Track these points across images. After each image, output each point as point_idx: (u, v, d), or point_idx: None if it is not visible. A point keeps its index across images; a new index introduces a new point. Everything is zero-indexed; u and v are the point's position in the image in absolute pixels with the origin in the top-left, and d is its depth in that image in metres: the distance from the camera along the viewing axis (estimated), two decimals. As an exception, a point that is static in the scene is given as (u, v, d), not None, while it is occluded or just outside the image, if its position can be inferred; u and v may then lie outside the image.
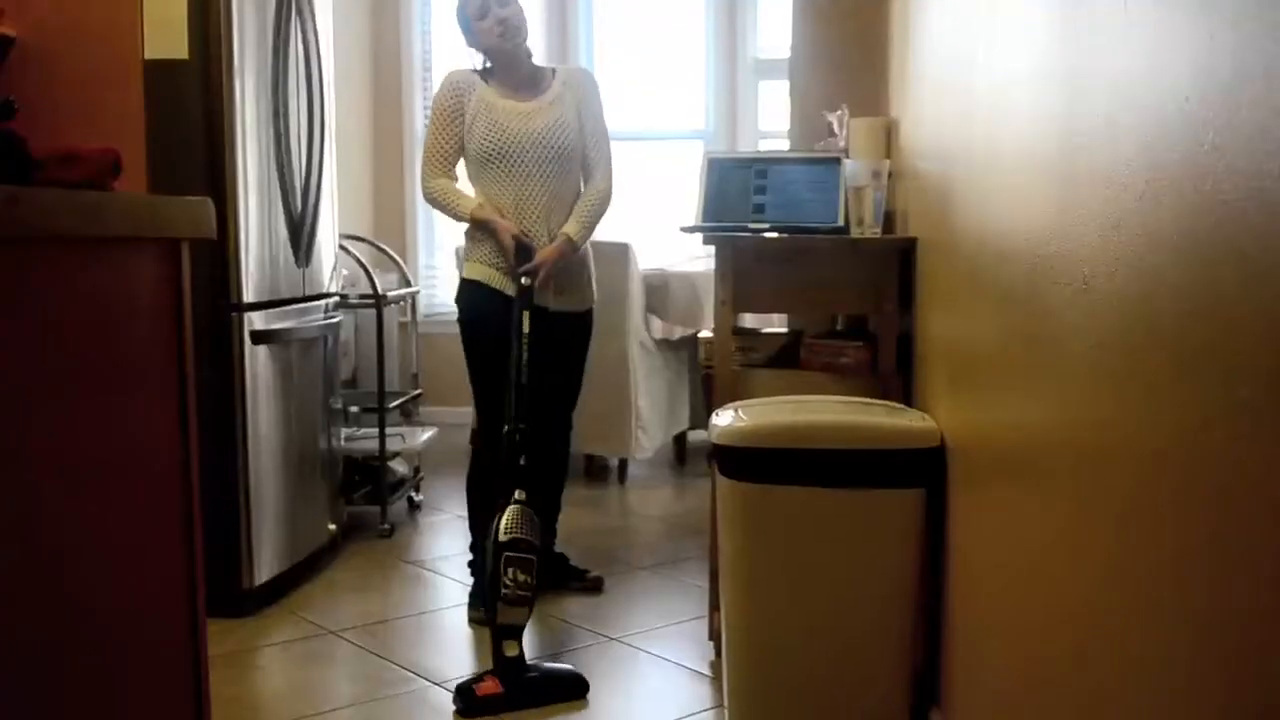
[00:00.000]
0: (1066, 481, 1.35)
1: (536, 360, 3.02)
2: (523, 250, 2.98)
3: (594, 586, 3.36)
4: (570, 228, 3.05)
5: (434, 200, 3.10)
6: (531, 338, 2.99)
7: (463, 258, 3.17)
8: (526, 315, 2.94)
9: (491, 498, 2.86)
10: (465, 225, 3.12)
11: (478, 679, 2.58)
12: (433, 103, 3.16)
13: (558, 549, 3.39)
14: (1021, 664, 1.56)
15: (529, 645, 2.89)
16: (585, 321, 3.23)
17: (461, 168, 3.14)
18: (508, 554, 2.61)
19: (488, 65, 3.13)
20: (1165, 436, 1.04)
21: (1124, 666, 1.15)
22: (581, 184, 3.18)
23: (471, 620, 3.11)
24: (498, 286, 3.05)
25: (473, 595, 3.18)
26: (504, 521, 2.66)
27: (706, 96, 5.82)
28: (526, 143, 3.02)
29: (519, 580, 2.61)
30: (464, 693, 2.54)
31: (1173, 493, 1.02)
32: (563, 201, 3.10)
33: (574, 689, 2.61)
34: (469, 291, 3.10)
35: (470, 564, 3.32)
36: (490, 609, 2.65)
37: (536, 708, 2.54)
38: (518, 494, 2.73)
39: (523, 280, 2.96)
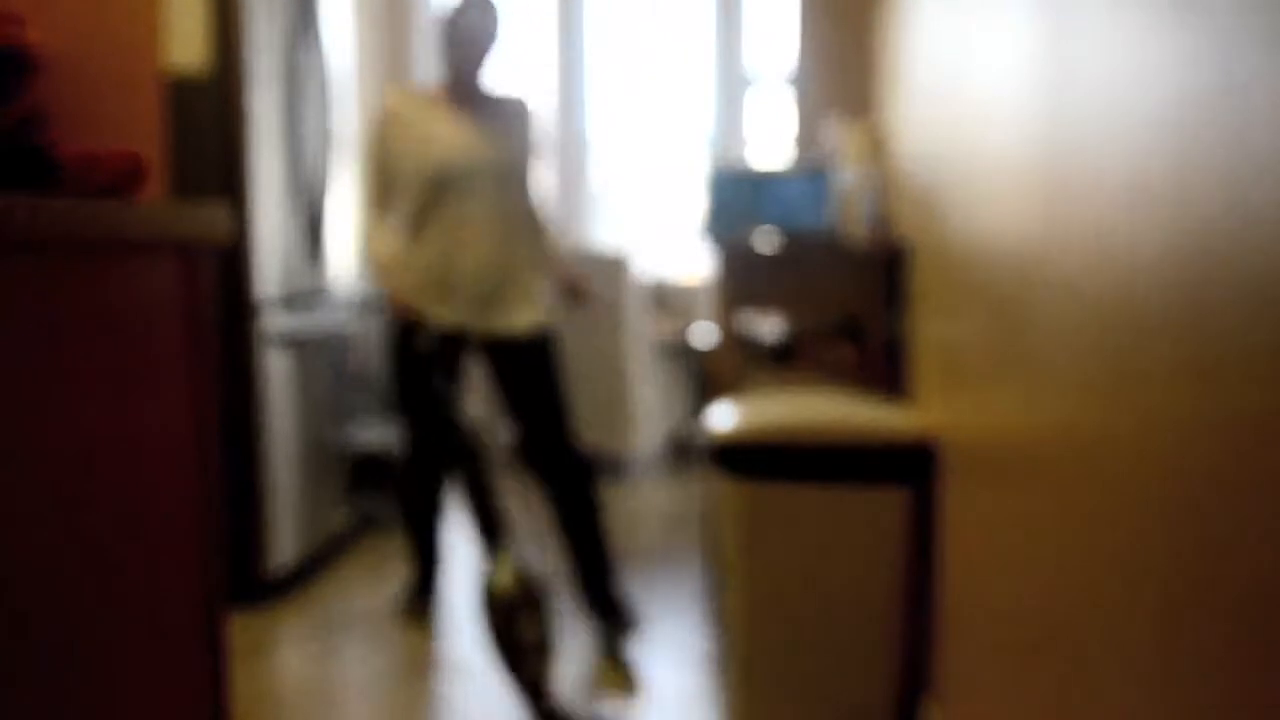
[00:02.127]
0: (1055, 478, 1.36)
1: (511, 403, 2.97)
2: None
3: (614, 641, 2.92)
4: (551, 249, 3.09)
5: (373, 260, 3.06)
6: (495, 376, 2.97)
7: None
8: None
9: (426, 497, 2.89)
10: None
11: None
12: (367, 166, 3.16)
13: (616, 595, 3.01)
14: (1014, 658, 1.57)
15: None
16: (545, 342, 2.99)
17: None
18: (514, 615, 2.42)
19: (430, 83, 3.09)
20: (1150, 435, 1.05)
21: (1116, 665, 1.15)
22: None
23: (408, 611, 3.10)
24: (425, 313, 2.96)
25: (414, 587, 3.16)
26: (495, 585, 2.46)
27: (705, 103, 5.85)
28: (462, 170, 2.94)
29: (530, 640, 2.43)
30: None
31: (1162, 490, 1.03)
32: (509, 218, 3.00)
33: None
34: (406, 328, 3.00)
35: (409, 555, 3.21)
36: (510, 671, 2.45)
37: None
38: (502, 543, 2.55)
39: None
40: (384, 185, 3.00)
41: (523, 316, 2.98)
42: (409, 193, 2.97)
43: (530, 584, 2.48)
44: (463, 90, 3.00)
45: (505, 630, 2.43)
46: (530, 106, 3.11)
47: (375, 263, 3.01)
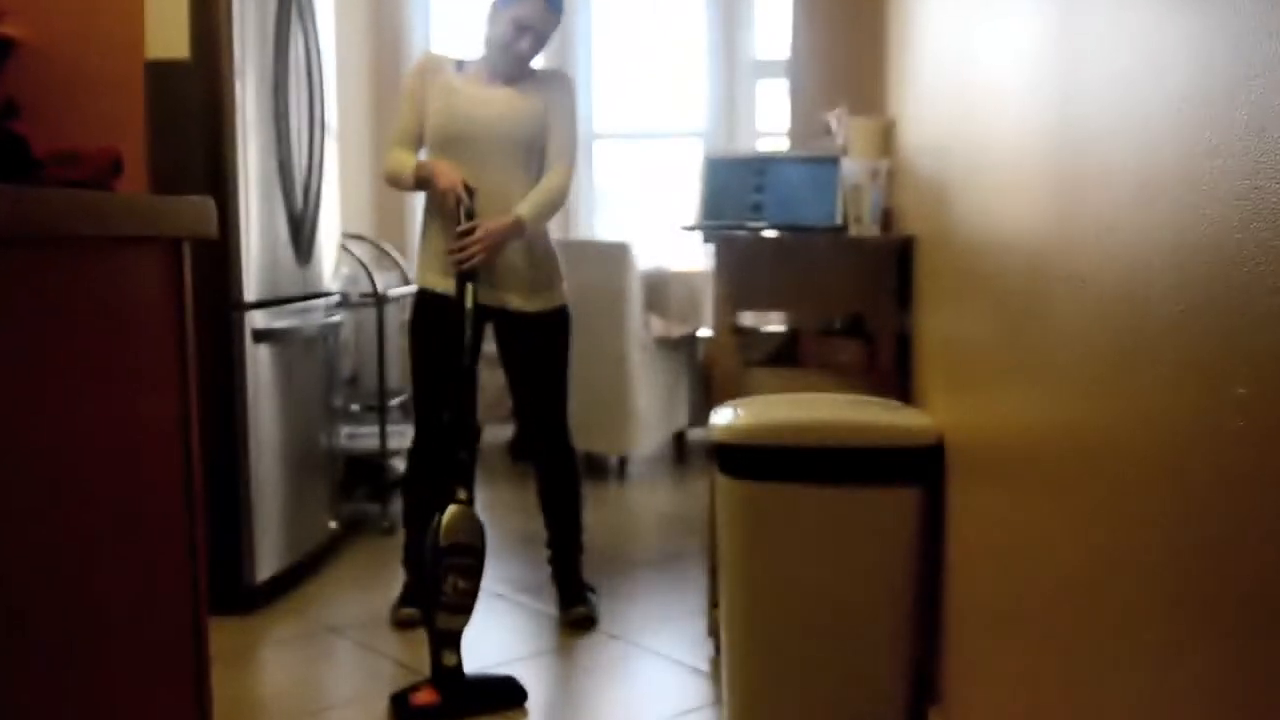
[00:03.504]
0: (1064, 478, 1.35)
1: (513, 374, 2.97)
2: (463, 203, 2.85)
3: (579, 622, 3.05)
4: (522, 208, 2.89)
5: (388, 175, 3.01)
6: (502, 349, 2.94)
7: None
8: (470, 289, 2.80)
9: (429, 495, 2.78)
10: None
11: (413, 688, 2.52)
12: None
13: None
14: (1019, 661, 1.56)
15: (529, 642, 2.90)
16: (557, 322, 3.04)
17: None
18: (447, 560, 2.52)
19: (473, 59, 3.04)
20: (1162, 434, 1.04)
21: (1122, 664, 1.14)
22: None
23: (398, 620, 3.05)
24: (441, 291, 2.95)
25: (404, 593, 3.10)
26: (444, 524, 2.55)
27: (705, 95, 5.83)
28: (481, 128, 2.93)
29: (459, 588, 2.53)
30: (399, 702, 2.49)
31: (1170, 490, 1.02)
32: (520, 194, 2.96)
33: (512, 697, 2.56)
34: (416, 301, 3.05)
35: (404, 561, 3.16)
36: (428, 616, 2.58)
37: (473, 717, 2.49)
38: (460, 493, 2.62)
39: (459, 253, 2.82)
40: (410, 132, 3.00)
41: (551, 298, 3.03)
42: (430, 147, 2.99)
43: (472, 539, 2.57)
44: (503, 71, 3.00)
45: (434, 577, 2.53)
46: (567, 81, 3.10)
47: (408, 174, 2.96)
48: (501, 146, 2.94)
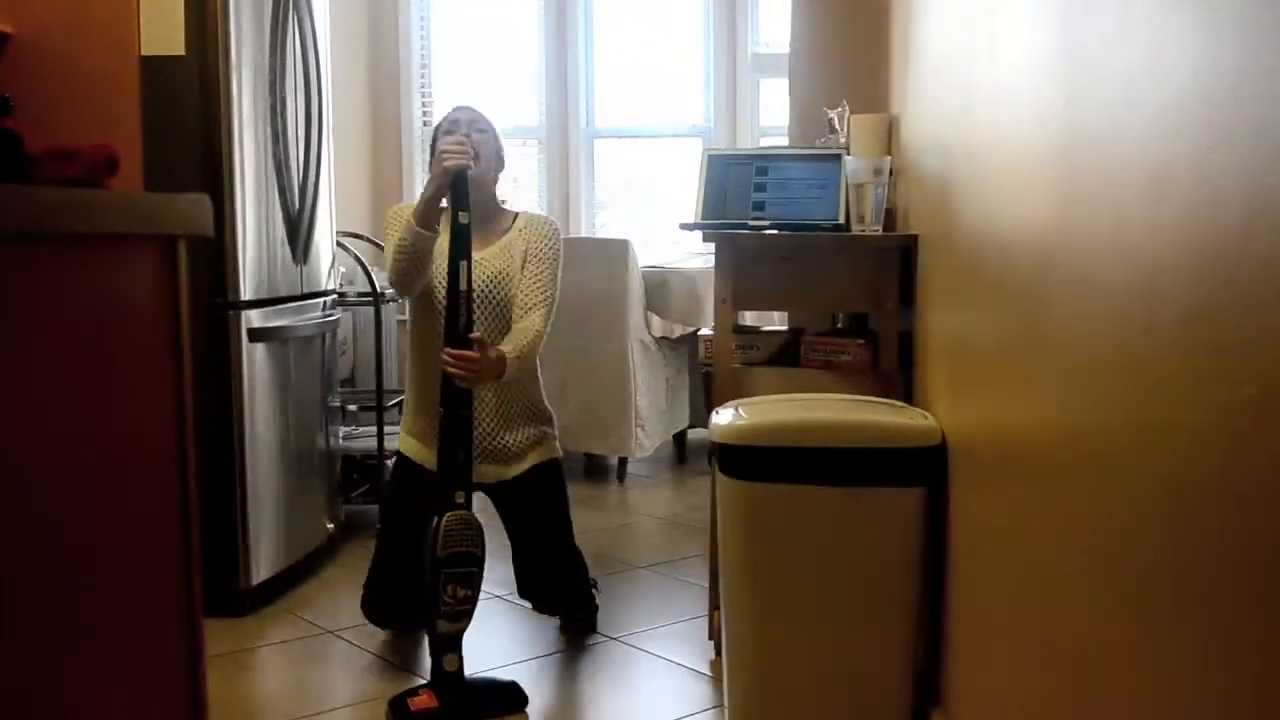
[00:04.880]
0: (1068, 480, 1.34)
1: (517, 542, 2.89)
2: (459, 183, 2.61)
3: (579, 625, 3.02)
4: (507, 346, 2.69)
5: (393, 264, 2.71)
6: (503, 517, 2.89)
7: None
8: (464, 267, 2.58)
9: (413, 518, 2.68)
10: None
11: (412, 692, 2.50)
12: (386, 226, 2.87)
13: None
14: (1022, 663, 1.55)
15: (529, 645, 2.89)
16: (547, 474, 2.91)
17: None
18: (446, 571, 2.49)
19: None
20: (1169, 435, 1.03)
21: (1126, 666, 1.14)
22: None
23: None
24: (421, 461, 2.84)
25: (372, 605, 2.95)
26: (442, 533, 2.50)
27: (706, 93, 5.81)
28: (478, 284, 2.75)
29: (459, 595, 2.50)
30: (397, 706, 2.46)
31: (1177, 492, 1.01)
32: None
33: (512, 702, 2.54)
34: (396, 466, 2.93)
35: (366, 584, 2.95)
36: (429, 623, 2.54)
37: None
38: (458, 497, 2.55)
39: (455, 369, 2.58)
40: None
41: (544, 451, 2.92)
42: (412, 303, 2.86)
43: (471, 545, 2.53)
44: (479, 220, 2.77)
45: (434, 588, 2.49)
46: (548, 229, 2.89)
47: (408, 232, 2.68)
48: (484, 311, 2.80)
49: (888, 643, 2.22)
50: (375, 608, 2.91)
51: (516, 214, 2.96)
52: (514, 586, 2.99)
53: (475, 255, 2.70)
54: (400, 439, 2.96)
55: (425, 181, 2.75)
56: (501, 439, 2.87)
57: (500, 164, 2.94)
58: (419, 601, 2.58)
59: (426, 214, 2.66)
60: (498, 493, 2.92)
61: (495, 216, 2.92)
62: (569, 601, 2.99)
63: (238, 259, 3.04)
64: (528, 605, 3.02)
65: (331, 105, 3.66)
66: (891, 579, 2.20)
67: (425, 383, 2.83)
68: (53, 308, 1.27)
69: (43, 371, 1.24)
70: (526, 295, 2.82)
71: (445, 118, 2.91)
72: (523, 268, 2.84)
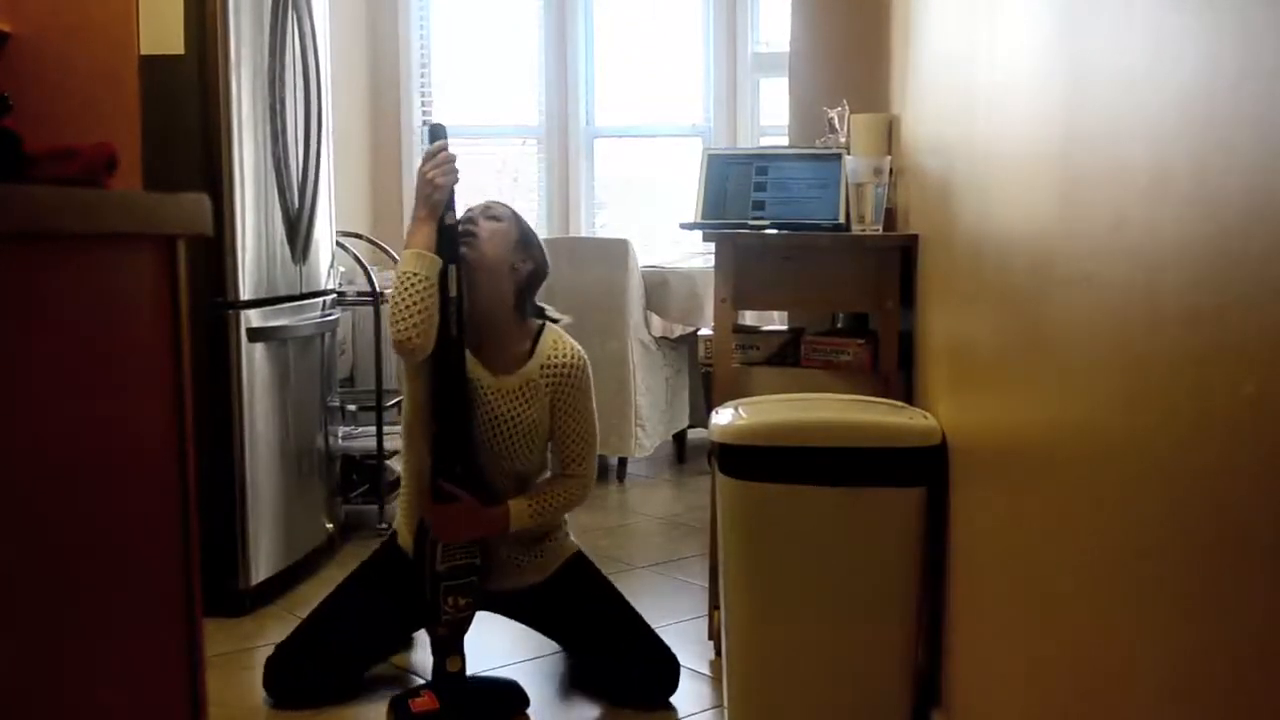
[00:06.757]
0: (1069, 480, 1.34)
1: (561, 637, 2.72)
2: (446, 232, 2.44)
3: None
4: (519, 504, 2.53)
5: (408, 308, 2.38)
6: (535, 625, 2.72)
7: None
8: (453, 271, 2.44)
9: (374, 605, 2.63)
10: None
11: (413, 693, 2.49)
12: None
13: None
14: (1023, 663, 1.55)
15: (529, 645, 2.88)
16: (578, 564, 2.74)
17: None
18: (446, 584, 2.48)
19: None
20: (1169, 434, 1.03)
21: (1126, 666, 1.14)
22: (549, 462, 2.70)
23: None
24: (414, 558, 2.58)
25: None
26: (440, 547, 2.46)
27: (706, 92, 5.81)
28: (482, 418, 2.55)
29: (459, 604, 2.49)
30: (398, 707, 2.44)
31: (1178, 491, 1.01)
32: (515, 476, 2.62)
33: (513, 702, 2.52)
34: (386, 547, 2.74)
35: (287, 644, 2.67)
36: (430, 630, 2.52)
37: None
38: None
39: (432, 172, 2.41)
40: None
41: (539, 568, 2.71)
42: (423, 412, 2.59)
43: (469, 555, 2.50)
44: (496, 350, 2.59)
45: (434, 600, 2.48)
46: (576, 373, 2.59)
47: (401, 265, 2.45)
48: (497, 439, 2.57)
49: (888, 643, 2.22)
50: (282, 676, 2.58)
51: (538, 329, 2.62)
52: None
53: (487, 382, 2.54)
54: (400, 531, 2.70)
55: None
56: (514, 556, 2.69)
57: (522, 258, 2.57)
58: (336, 682, 2.57)
59: (432, 237, 2.43)
60: (523, 602, 2.70)
61: (512, 337, 2.60)
62: (663, 676, 2.61)
63: (237, 258, 3.04)
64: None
65: (331, 105, 3.65)
66: (891, 579, 2.20)
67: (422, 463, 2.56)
68: (52, 307, 1.26)
69: (41, 371, 1.24)
70: (568, 450, 2.61)
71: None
72: (548, 413, 2.59)
